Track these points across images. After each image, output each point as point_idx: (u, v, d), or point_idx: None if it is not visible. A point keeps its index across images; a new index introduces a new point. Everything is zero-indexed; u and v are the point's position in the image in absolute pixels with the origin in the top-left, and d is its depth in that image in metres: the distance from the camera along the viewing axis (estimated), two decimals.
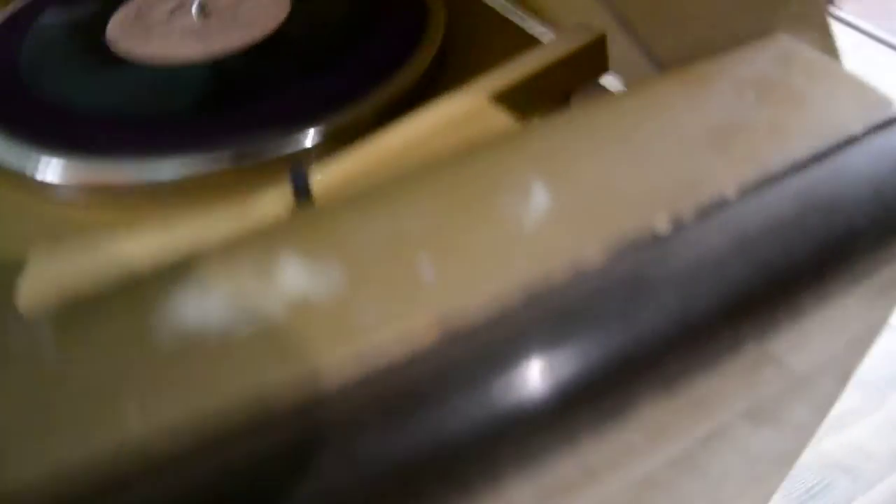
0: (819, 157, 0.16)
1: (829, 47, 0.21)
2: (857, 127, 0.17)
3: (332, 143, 0.22)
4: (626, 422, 0.14)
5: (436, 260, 0.13)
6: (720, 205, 0.15)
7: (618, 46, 0.23)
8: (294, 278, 0.13)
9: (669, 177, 0.15)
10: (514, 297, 0.13)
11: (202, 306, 0.13)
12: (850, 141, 0.17)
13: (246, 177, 0.21)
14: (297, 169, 0.18)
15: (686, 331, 0.14)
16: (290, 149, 0.22)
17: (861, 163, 0.16)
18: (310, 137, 0.22)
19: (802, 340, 0.17)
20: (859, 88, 0.18)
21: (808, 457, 0.53)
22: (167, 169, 0.22)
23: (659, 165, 0.15)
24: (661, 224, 0.14)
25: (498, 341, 0.12)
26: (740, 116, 0.17)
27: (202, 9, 0.27)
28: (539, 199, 0.14)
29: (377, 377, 0.12)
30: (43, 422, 0.11)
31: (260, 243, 0.14)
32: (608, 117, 0.16)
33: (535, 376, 0.12)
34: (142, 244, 0.17)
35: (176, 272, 0.13)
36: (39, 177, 0.22)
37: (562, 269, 0.13)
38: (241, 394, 0.11)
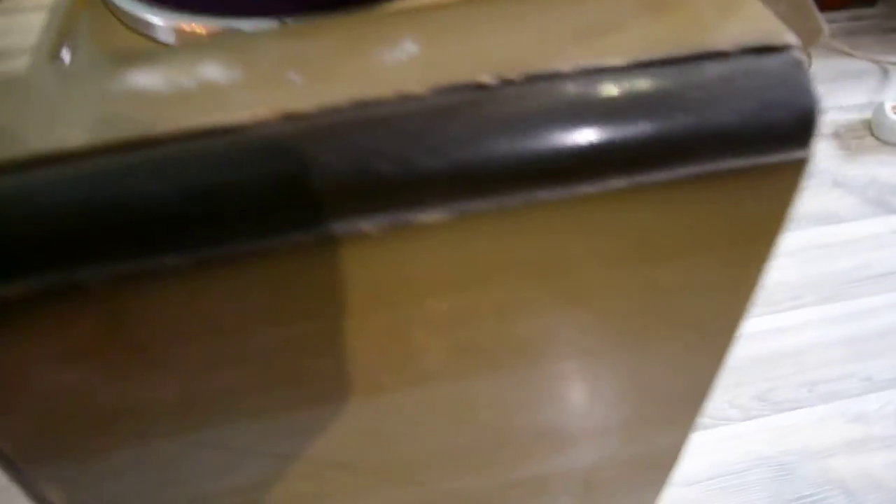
0: (669, 62, 0.18)
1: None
2: (727, 46, 0.19)
3: None
4: (413, 238, 0.18)
5: (305, 76, 0.18)
6: (552, 76, 0.18)
7: None
8: (211, 71, 0.18)
9: (518, 51, 0.18)
10: (345, 101, 0.17)
11: (155, 75, 0.18)
12: (712, 56, 0.19)
13: None
14: None
15: (483, 168, 0.17)
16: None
17: (718, 77, 0.19)
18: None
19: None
20: (759, 20, 0.20)
21: (810, 467, 0.51)
22: (242, 24, 0.28)
23: (514, 43, 0.19)
24: (488, 78, 0.18)
25: (323, 127, 0.17)
26: (616, 20, 0.19)
27: None
28: (402, 50, 0.18)
29: (231, 132, 0.17)
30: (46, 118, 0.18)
31: (201, 50, 0.19)
32: (502, 5, 0.20)
33: (343, 162, 0.17)
34: None
35: (157, 57, 0.19)
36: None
37: (391, 92, 0.17)
38: (153, 122, 0.17)
